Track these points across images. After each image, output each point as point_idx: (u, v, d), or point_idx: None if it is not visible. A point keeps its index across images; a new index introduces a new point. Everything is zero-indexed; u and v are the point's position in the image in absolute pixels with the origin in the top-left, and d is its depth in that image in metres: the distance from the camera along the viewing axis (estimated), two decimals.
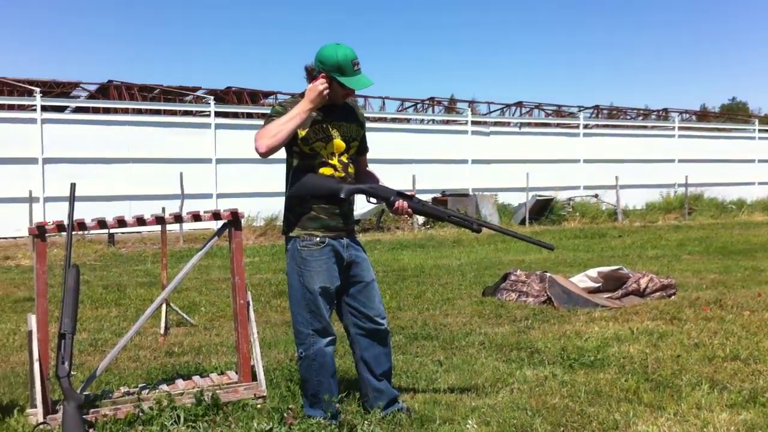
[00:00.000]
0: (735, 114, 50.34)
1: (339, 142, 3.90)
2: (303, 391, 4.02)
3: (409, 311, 7.57)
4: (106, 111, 21.58)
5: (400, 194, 3.97)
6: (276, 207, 18.83)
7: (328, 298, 3.89)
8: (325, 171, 3.88)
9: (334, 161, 3.90)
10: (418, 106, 30.35)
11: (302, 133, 3.81)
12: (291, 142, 3.81)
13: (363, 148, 4.10)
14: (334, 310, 4.03)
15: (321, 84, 3.77)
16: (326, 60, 3.79)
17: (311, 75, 3.86)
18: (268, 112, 3.93)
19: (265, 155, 3.73)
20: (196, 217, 4.48)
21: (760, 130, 31.35)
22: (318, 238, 3.86)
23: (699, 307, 7.20)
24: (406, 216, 4.14)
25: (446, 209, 4.40)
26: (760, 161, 30.00)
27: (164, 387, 4.45)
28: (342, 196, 3.86)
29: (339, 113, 3.94)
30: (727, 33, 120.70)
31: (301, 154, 3.87)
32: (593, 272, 8.16)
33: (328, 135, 3.87)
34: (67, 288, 3.90)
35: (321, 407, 3.88)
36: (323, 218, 3.88)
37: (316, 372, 3.90)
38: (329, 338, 3.91)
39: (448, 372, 5.03)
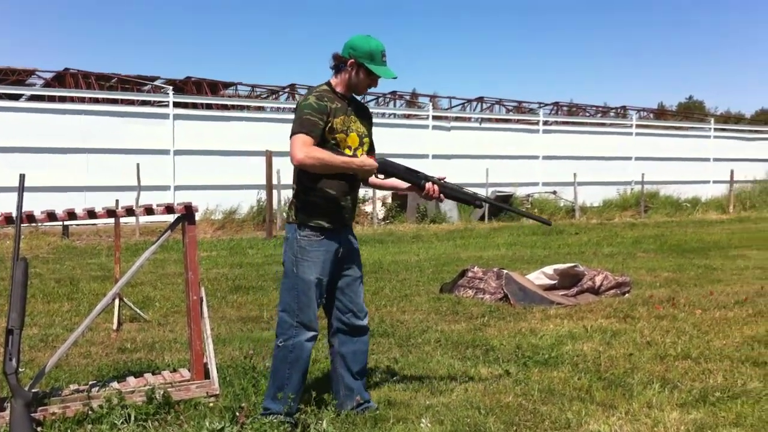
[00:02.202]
0: (691, 112, 51.13)
1: (354, 137, 3.93)
2: (270, 380, 3.95)
3: (367, 307, 7.52)
4: (62, 99, 21.20)
5: (429, 178, 3.98)
6: (235, 200, 18.74)
7: (320, 290, 3.90)
8: None
9: (350, 153, 3.90)
10: (380, 99, 30.34)
11: (334, 122, 3.82)
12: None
13: (372, 148, 4.11)
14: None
15: (372, 166, 3.84)
16: (358, 47, 3.85)
17: (340, 61, 3.89)
18: (303, 102, 3.83)
19: (296, 165, 3.75)
20: (149, 210, 4.41)
21: (715, 129, 31.92)
22: (320, 230, 3.86)
23: (652, 305, 7.29)
24: (436, 200, 4.16)
25: (471, 192, 4.34)
26: (715, 160, 30.52)
27: (115, 385, 4.37)
28: (376, 164, 3.87)
29: (355, 108, 3.99)
30: (684, 32, 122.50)
31: (324, 143, 3.82)
32: (549, 269, 8.22)
33: (349, 127, 3.91)
34: (14, 282, 3.81)
35: (281, 402, 3.84)
36: (329, 209, 3.88)
37: (290, 365, 3.86)
38: (311, 333, 3.90)
39: (404, 370, 5.03)
